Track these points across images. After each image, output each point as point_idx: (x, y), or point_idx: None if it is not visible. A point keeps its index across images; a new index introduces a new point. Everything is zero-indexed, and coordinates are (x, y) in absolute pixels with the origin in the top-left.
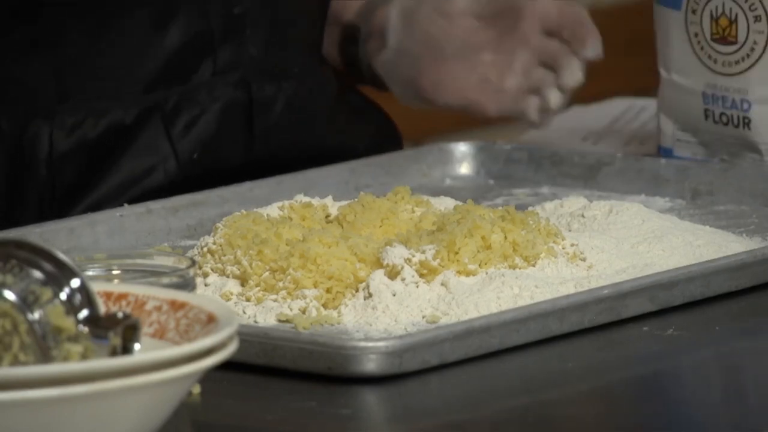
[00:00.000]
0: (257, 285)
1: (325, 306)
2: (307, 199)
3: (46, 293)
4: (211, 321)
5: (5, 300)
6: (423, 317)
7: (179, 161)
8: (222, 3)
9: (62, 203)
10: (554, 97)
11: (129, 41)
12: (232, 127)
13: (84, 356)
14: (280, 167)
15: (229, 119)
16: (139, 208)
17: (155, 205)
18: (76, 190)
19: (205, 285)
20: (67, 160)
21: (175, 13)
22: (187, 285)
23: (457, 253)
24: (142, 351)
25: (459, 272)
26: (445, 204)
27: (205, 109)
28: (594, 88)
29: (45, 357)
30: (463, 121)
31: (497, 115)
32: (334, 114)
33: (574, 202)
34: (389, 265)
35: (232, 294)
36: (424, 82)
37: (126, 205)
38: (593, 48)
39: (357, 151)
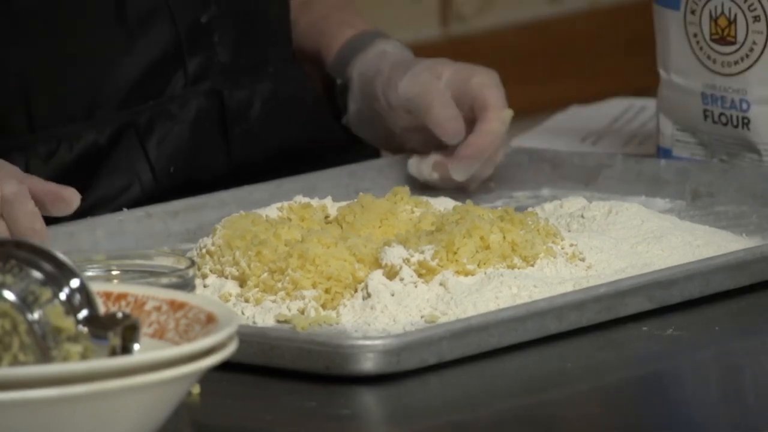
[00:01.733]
0: (256, 286)
1: (323, 306)
2: (306, 199)
3: (46, 293)
4: (210, 321)
5: (5, 300)
6: (422, 317)
7: (156, 175)
8: (189, 13)
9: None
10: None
11: (99, 62)
12: (206, 137)
13: (84, 356)
14: (261, 173)
15: (202, 129)
16: (139, 212)
17: (155, 209)
18: None
19: (204, 286)
20: None
21: (143, 29)
22: (187, 285)
23: (455, 253)
24: (141, 351)
25: (458, 272)
26: (444, 204)
27: (178, 122)
28: (594, 88)
29: (45, 357)
30: None
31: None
32: (316, 107)
33: (574, 203)
34: (388, 266)
35: (230, 295)
36: (390, 146)
37: (125, 209)
38: (459, 169)
39: (341, 145)
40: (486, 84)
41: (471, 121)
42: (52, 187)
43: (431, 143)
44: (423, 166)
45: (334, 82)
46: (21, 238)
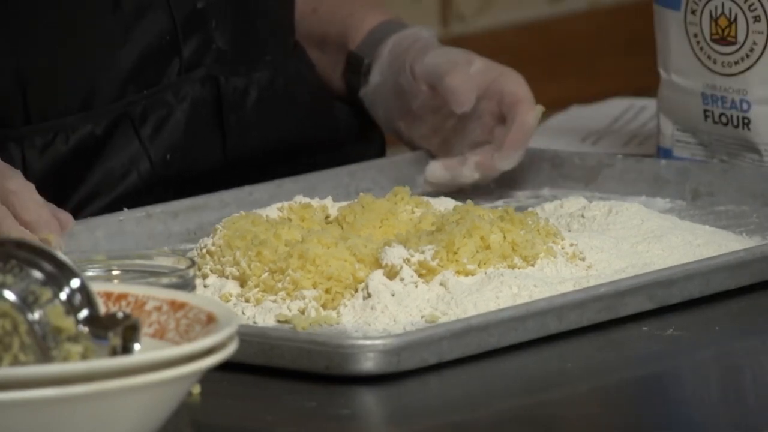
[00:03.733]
0: (256, 286)
1: (324, 306)
2: (306, 200)
3: (46, 293)
4: (210, 321)
5: (5, 300)
6: (422, 317)
7: (152, 163)
8: (186, 0)
9: None
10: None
11: (95, 54)
12: (202, 125)
13: (84, 356)
14: (258, 163)
15: (197, 117)
16: (139, 212)
17: (155, 209)
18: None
19: (205, 286)
20: (41, 178)
21: (139, 18)
22: (187, 285)
23: (456, 253)
24: (142, 351)
25: (458, 272)
26: (444, 205)
27: (173, 109)
28: (594, 88)
29: (45, 357)
30: None
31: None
32: (313, 101)
33: (574, 203)
34: (388, 266)
35: (231, 295)
36: (400, 125)
37: (125, 209)
38: (507, 158)
39: (338, 140)
40: (516, 81)
41: (496, 116)
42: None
43: (440, 128)
44: (464, 169)
45: (360, 63)
46: (21, 238)
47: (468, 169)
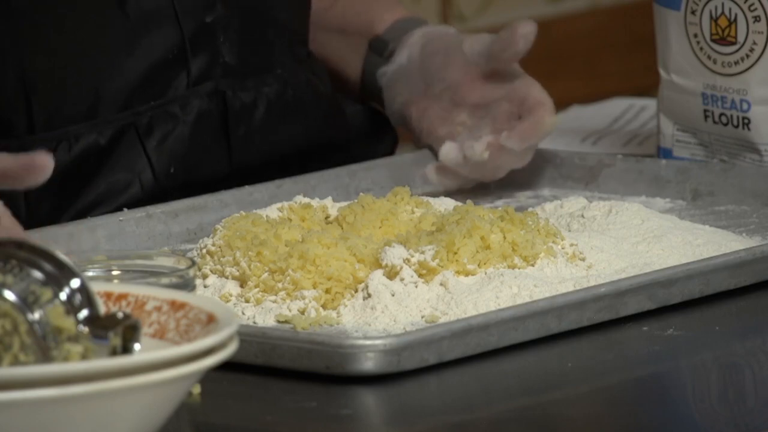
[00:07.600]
0: (256, 286)
1: (324, 306)
2: (306, 200)
3: (46, 293)
4: (211, 321)
5: (5, 300)
6: (422, 317)
7: (156, 175)
8: (194, 13)
9: (41, 224)
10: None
11: (101, 63)
12: (208, 138)
13: (84, 356)
14: (262, 175)
15: (203, 131)
16: (139, 212)
17: (155, 209)
18: (54, 211)
19: (204, 287)
20: (43, 186)
21: (147, 29)
22: (187, 285)
23: (456, 253)
24: (142, 351)
25: (458, 272)
26: (444, 205)
27: (179, 122)
28: (594, 88)
29: (45, 357)
30: None
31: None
32: (322, 109)
33: (574, 203)
34: (388, 266)
35: (231, 295)
36: (412, 110)
37: (126, 209)
38: (515, 141)
39: (347, 143)
40: (540, 89)
41: (512, 118)
42: (24, 159)
43: (448, 119)
44: (477, 146)
45: (384, 46)
46: (22, 239)
47: (480, 145)
